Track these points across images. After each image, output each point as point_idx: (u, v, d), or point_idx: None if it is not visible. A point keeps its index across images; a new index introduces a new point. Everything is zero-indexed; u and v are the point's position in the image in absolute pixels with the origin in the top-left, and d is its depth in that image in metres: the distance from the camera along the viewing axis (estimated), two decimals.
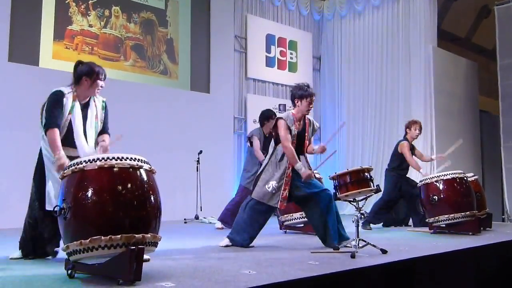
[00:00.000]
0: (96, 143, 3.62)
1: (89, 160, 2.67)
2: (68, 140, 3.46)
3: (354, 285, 3.08)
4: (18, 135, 6.38)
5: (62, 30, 7.20)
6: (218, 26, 9.02)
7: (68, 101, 3.48)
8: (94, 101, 3.64)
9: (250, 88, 9.69)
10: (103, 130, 3.72)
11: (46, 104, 3.51)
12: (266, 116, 6.27)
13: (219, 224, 6.26)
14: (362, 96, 10.15)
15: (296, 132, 4.29)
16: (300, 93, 4.32)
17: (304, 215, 5.26)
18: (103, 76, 3.56)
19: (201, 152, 7.70)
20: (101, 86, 3.58)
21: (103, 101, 3.72)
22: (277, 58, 10.18)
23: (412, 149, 6.39)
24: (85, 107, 3.58)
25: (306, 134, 4.37)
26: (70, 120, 3.47)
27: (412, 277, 3.53)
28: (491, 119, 10.69)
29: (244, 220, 4.25)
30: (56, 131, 3.38)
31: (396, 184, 6.25)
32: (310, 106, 4.33)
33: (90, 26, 7.51)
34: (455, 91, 9.62)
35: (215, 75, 8.88)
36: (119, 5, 7.86)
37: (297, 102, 4.33)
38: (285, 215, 5.49)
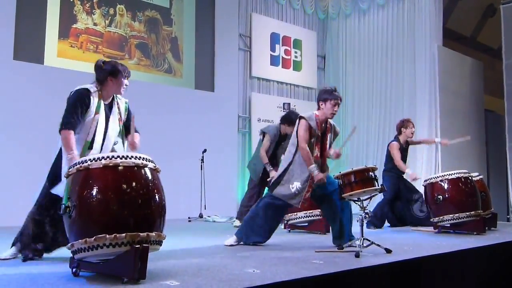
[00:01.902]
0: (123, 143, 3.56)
1: (94, 159, 2.67)
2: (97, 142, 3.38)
3: (359, 284, 3.08)
4: (22, 133, 6.40)
5: (67, 29, 7.22)
6: (222, 25, 9.02)
7: (94, 100, 3.36)
8: (118, 103, 3.55)
9: (255, 86, 9.69)
10: (131, 131, 3.64)
11: (68, 101, 3.36)
12: (288, 119, 5.83)
13: (237, 222, 6.09)
14: (366, 95, 10.14)
15: (319, 134, 4.26)
16: (325, 96, 4.26)
17: (307, 214, 5.29)
18: (127, 74, 3.48)
19: (205, 150, 7.71)
20: (126, 85, 3.49)
21: (126, 103, 3.63)
22: (282, 56, 10.18)
23: (407, 147, 6.36)
24: (109, 108, 3.47)
25: (326, 137, 4.35)
26: (98, 120, 3.37)
27: (417, 277, 3.52)
28: (496, 118, 10.65)
29: (258, 218, 4.24)
30: (71, 133, 3.25)
31: (395, 184, 6.24)
32: (335, 109, 4.25)
33: (95, 24, 7.53)
34: (460, 90, 9.58)
35: (220, 73, 8.89)
36: (123, 3, 7.87)
37: (322, 104, 4.26)
38: (289, 214, 5.47)
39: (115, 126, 3.49)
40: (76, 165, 2.71)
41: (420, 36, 9.24)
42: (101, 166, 2.64)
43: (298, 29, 10.56)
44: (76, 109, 3.30)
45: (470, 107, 9.82)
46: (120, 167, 2.66)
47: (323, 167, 4.32)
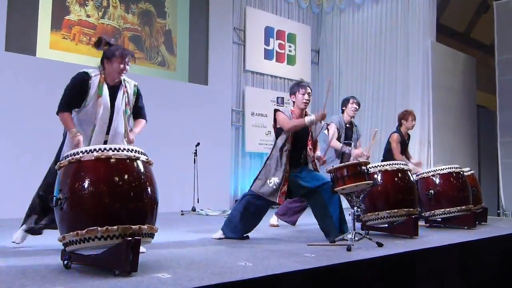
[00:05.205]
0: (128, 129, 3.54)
1: (86, 151, 2.67)
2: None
3: (350, 277, 3.10)
4: (15, 126, 6.36)
5: (60, 20, 7.16)
6: (216, 18, 8.99)
7: (94, 83, 3.34)
8: (125, 86, 3.51)
9: (248, 80, 9.68)
10: (139, 115, 3.65)
11: (67, 84, 3.38)
12: (343, 101, 5.80)
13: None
14: (360, 90, 10.12)
15: None
16: (294, 89, 4.39)
17: (390, 214, 4.78)
18: (125, 58, 3.39)
19: (198, 144, 7.70)
20: (125, 69, 3.42)
21: (135, 86, 3.59)
22: (276, 50, 10.16)
23: (408, 140, 6.30)
24: (114, 91, 3.43)
25: (308, 132, 4.36)
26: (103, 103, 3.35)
27: (407, 270, 3.55)
28: (488, 114, 10.72)
29: (239, 213, 4.23)
30: (67, 113, 3.31)
31: None
32: (305, 97, 4.32)
33: (88, 16, 7.47)
34: (453, 85, 9.63)
35: (213, 67, 8.86)
36: None
37: (293, 98, 4.40)
38: (368, 214, 4.65)
39: (121, 109, 3.46)
40: (68, 157, 2.70)
41: (414, 32, 9.26)
42: (93, 158, 2.63)
43: (293, 23, 10.54)
44: (72, 92, 3.34)
45: (463, 102, 9.88)
46: (112, 160, 2.65)
47: (306, 160, 4.35)
